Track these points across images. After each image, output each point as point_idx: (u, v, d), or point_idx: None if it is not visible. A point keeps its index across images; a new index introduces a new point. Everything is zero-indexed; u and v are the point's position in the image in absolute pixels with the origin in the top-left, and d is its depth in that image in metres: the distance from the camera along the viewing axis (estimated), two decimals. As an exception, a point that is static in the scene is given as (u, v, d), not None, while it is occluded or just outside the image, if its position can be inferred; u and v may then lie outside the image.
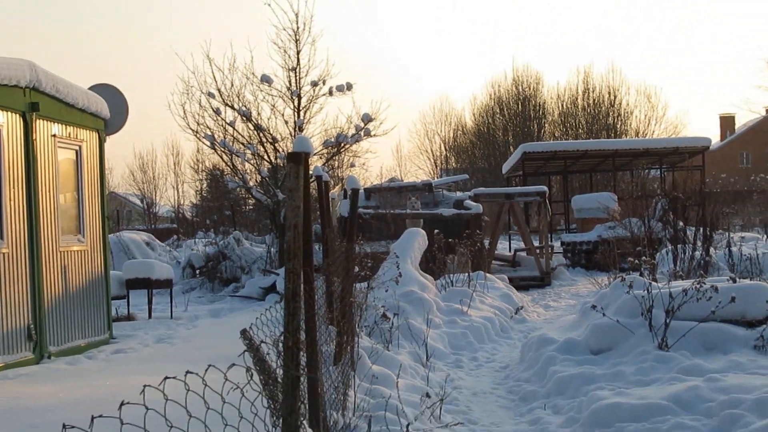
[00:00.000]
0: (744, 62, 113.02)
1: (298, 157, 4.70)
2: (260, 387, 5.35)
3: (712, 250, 21.44)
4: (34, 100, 15.21)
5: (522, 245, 32.86)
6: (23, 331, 14.85)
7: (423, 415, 8.92)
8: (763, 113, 79.01)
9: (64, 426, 2.99)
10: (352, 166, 33.15)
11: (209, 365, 4.02)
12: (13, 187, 14.70)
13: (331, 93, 28.54)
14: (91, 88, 18.40)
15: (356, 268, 13.25)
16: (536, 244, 31.01)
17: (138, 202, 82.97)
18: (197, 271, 29.74)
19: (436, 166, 79.93)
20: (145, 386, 3.43)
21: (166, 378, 3.59)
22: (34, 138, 15.27)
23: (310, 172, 9.67)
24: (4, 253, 14.40)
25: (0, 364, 13.91)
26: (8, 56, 14.53)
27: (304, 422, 4.42)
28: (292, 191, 4.61)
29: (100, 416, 3.11)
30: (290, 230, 4.60)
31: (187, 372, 3.77)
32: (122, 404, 3.32)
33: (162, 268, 24.12)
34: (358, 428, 8.12)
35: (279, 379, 5.71)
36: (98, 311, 17.84)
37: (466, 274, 22.20)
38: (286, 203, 4.67)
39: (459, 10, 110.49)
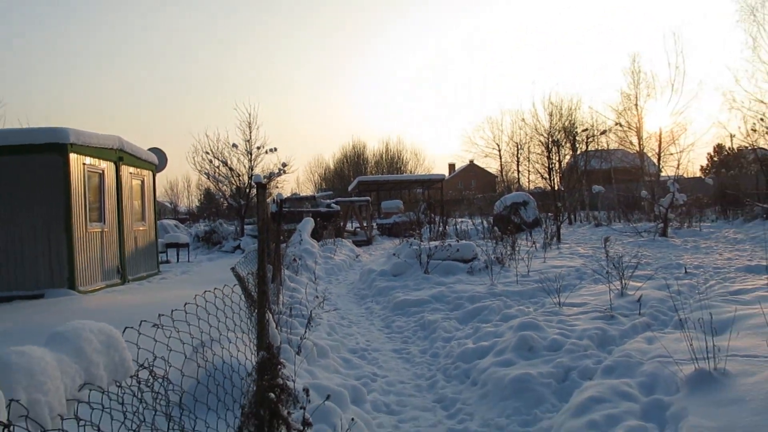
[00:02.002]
0: (461, 133, 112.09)
1: (263, 185, 4.74)
2: (244, 294, 5.39)
3: (447, 227, 21.93)
4: (120, 155, 14.70)
5: (358, 225, 32.93)
6: (115, 268, 14.35)
7: (316, 307, 8.98)
8: (467, 163, 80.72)
9: (161, 315, 2.99)
10: (276, 187, 32.63)
11: (225, 284, 4.05)
12: (110, 198, 14.19)
13: (266, 153, 28.13)
14: (149, 149, 17.89)
15: (281, 237, 13.22)
16: (365, 224, 31.19)
17: (168, 204, 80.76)
18: (200, 239, 28.97)
19: (316, 187, 79.37)
20: (196, 296, 3.41)
21: (206, 291, 3.60)
22: (120, 174, 14.75)
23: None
24: (105, 231, 13.90)
25: (104, 285, 13.45)
26: (107, 133, 14.04)
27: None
28: (260, 202, 4.65)
29: (158, 317, 3.12)
30: (260, 220, 4.63)
31: (206, 291, 3.78)
32: (186, 304, 3.30)
33: (183, 237, 23.62)
34: (285, 313, 8.13)
35: (250, 291, 5.77)
36: (152, 259, 17.35)
37: (332, 239, 22.32)
38: (257, 207, 4.68)
39: (322, 107, 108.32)
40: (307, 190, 77.75)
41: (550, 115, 35.82)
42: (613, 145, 36.03)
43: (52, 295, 11.86)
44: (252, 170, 28.60)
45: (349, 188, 42.86)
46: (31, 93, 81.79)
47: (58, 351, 2.41)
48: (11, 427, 1.96)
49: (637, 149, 33.03)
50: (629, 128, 32.88)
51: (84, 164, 12.99)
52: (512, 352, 5.99)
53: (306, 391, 3.82)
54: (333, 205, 30.18)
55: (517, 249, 13.72)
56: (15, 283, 12.20)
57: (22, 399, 2.13)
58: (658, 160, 31.89)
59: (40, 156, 12.29)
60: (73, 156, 12.50)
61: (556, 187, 33.09)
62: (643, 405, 4.22)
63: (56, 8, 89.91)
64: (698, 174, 37.72)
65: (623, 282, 8.44)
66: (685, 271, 10.74)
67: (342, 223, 29.79)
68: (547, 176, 34.49)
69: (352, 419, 4.24)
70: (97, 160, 13.61)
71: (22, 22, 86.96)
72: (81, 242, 12.73)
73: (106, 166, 14.12)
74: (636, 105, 32.21)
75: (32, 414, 2.10)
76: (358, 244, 25.69)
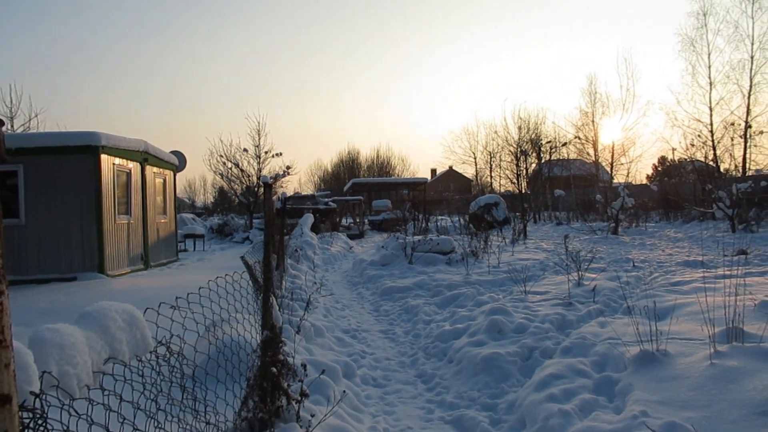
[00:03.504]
0: (442, 142, 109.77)
1: (269, 185, 4.70)
2: (251, 279, 5.35)
3: (429, 224, 21.84)
4: (145, 157, 14.57)
5: (352, 221, 32.78)
6: (140, 255, 14.23)
7: (314, 292, 8.92)
8: (447, 168, 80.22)
9: (176, 298, 2.95)
10: (281, 187, 32.49)
11: (234, 271, 4.01)
12: (136, 194, 14.07)
13: (273, 156, 28.14)
14: (171, 152, 17.70)
15: (285, 230, 13.11)
16: (358, 220, 31.05)
17: (187, 200, 79.87)
18: (214, 231, 28.78)
19: (316, 187, 78.84)
20: (209, 281, 3.38)
21: (218, 277, 3.55)
22: (145, 173, 14.62)
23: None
24: (131, 223, 13.77)
25: (129, 270, 13.34)
26: (133, 137, 13.90)
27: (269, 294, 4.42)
28: (267, 199, 4.61)
29: (177, 298, 3.08)
30: (266, 215, 4.59)
31: (217, 276, 3.74)
32: (200, 288, 3.25)
33: (199, 229, 23.58)
34: (287, 297, 8.06)
35: (257, 277, 5.72)
36: (172, 247, 17.21)
37: (329, 233, 22.21)
38: (264, 204, 4.63)
39: (321, 116, 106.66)
40: (308, 190, 77.43)
41: (519, 128, 35.91)
42: (573, 155, 36.18)
43: (83, 278, 11.77)
44: (260, 171, 28.47)
45: (345, 189, 42.73)
46: (68, 99, 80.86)
47: (87, 328, 2.37)
48: (43, 396, 1.92)
49: (593, 159, 33.20)
50: (587, 141, 33.05)
51: (113, 164, 12.87)
52: (484, 333, 5.96)
53: (304, 366, 3.79)
54: (330, 203, 30.07)
55: (489, 243, 13.63)
56: (51, 267, 12.08)
57: (54, 371, 2.09)
58: (611, 168, 32.06)
59: (75, 156, 12.21)
60: (104, 157, 12.40)
61: (524, 191, 33.20)
62: (596, 381, 4.23)
63: (88, 22, 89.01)
64: (645, 181, 37.86)
65: (580, 273, 8.45)
66: (633, 265, 10.77)
67: (338, 219, 29.66)
68: (516, 181, 34.62)
69: (344, 391, 4.21)
70: (125, 160, 13.48)
71: (52, 35, 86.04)
72: (110, 232, 12.62)
73: (133, 166, 13.98)
74: (593, 121, 32.38)
75: (62, 384, 2.06)
76: (351, 237, 25.54)
